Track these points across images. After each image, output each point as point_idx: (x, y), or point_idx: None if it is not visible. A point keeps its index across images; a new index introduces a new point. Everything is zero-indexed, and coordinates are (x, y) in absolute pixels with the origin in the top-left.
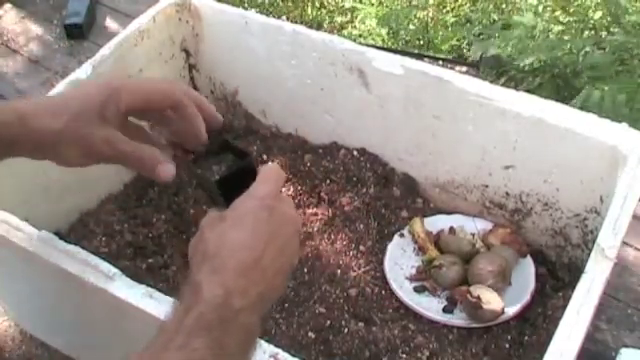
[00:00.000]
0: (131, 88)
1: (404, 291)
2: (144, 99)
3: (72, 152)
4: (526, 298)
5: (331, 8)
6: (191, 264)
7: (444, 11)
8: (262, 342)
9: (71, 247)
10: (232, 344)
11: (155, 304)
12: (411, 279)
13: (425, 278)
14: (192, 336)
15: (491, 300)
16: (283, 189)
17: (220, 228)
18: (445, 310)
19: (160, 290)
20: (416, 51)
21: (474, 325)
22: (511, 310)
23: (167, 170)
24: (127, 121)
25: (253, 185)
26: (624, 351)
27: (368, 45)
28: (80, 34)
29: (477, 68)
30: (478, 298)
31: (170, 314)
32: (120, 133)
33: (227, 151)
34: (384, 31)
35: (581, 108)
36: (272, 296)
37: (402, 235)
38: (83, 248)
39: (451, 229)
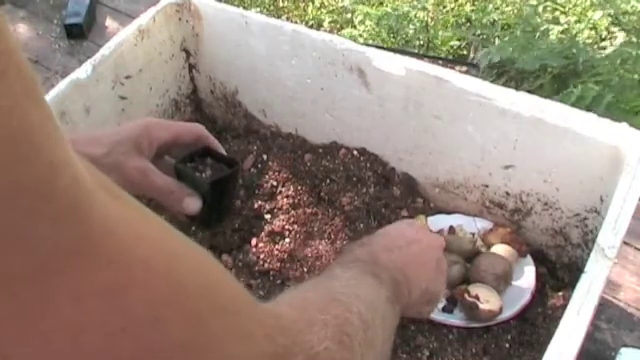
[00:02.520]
0: (162, 124)
1: None
2: (173, 133)
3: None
4: (526, 298)
5: (331, 8)
6: (371, 244)
7: (444, 11)
8: None
9: None
10: (391, 310)
11: None
12: None
13: None
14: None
15: (490, 299)
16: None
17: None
18: (445, 310)
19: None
20: (416, 51)
21: (474, 325)
22: (511, 310)
23: (194, 203)
24: (160, 158)
25: (434, 235)
26: (624, 351)
27: (368, 45)
28: (80, 34)
29: (477, 68)
30: (476, 297)
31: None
32: (152, 165)
33: (207, 156)
34: (384, 31)
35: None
36: (417, 307)
37: None
38: None
39: (451, 228)
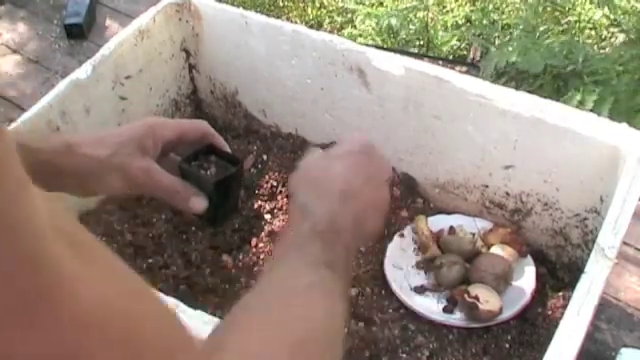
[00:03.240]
0: (166, 123)
1: (404, 291)
2: (177, 131)
3: (114, 180)
4: (526, 298)
5: (331, 8)
6: (295, 193)
7: (444, 11)
8: None
9: None
10: (340, 256)
11: None
12: (416, 266)
13: (425, 269)
14: (308, 242)
15: (490, 299)
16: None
17: (323, 163)
18: (445, 310)
19: (160, 290)
20: (416, 51)
21: (474, 325)
22: (511, 310)
23: (199, 202)
24: (165, 156)
25: (351, 138)
26: (624, 351)
27: (368, 45)
28: (80, 34)
29: (477, 68)
30: (476, 298)
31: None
32: (158, 165)
33: (211, 154)
34: (384, 31)
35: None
36: (367, 229)
37: (402, 235)
38: None
39: (451, 229)
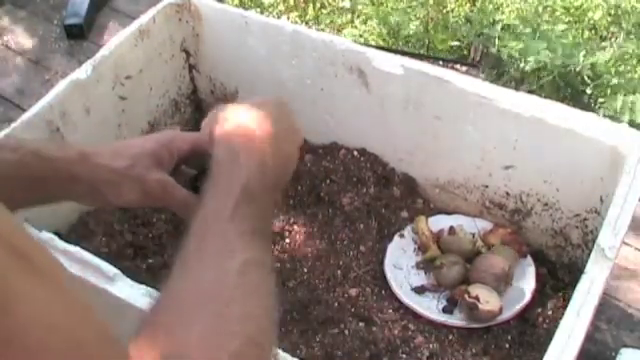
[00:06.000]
0: (182, 137)
1: (404, 291)
2: (193, 144)
3: (131, 191)
4: (526, 298)
5: (331, 8)
6: (215, 136)
7: (444, 11)
8: None
9: (71, 247)
10: (269, 216)
11: None
12: (416, 266)
13: (425, 270)
14: (241, 204)
15: (490, 299)
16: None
17: (249, 112)
18: (445, 310)
19: (160, 290)
20: (416, 51)
21: (474, 325)
22: (511, 310)
23: None
24: (177, 169)
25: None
26: (624, 351)
27: (368, 45)
28: (80, 34)
29: (477, 68)
30: (476, 298)
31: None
32: (172, 179)
33: None
34: (384, 31)
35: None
36: (286, 169)
37: (402, 235)
38: (83, 248)
39: (451, 229)
